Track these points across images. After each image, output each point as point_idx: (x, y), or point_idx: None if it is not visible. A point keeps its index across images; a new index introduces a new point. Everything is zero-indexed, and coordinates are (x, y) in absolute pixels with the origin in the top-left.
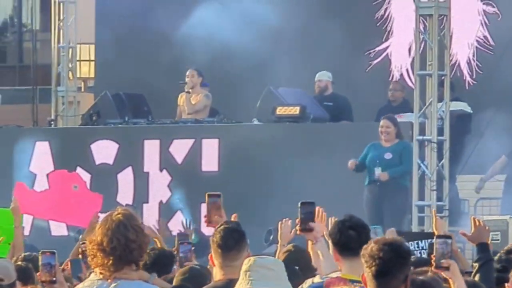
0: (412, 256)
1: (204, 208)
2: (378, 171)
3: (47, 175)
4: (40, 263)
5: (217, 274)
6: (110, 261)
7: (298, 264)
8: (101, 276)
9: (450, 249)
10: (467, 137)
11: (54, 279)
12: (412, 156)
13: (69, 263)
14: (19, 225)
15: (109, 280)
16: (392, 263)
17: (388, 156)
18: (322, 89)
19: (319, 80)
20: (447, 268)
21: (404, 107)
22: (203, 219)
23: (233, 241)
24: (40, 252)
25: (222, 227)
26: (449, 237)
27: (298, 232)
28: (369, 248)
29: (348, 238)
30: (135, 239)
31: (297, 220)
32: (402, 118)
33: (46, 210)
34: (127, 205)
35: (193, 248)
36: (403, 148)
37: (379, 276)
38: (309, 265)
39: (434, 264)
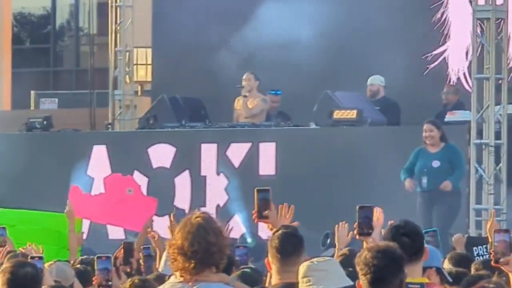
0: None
1: None
2: (424, 180)
3: (103, 179)
4: (96, 267)
5: (274, 278)
6: (192, 265)
7: (353, 268)
8: (181, 279)
9: (509, 244)
10: None
11: (110, 283)
12: (463, 158)
13: (122, 250)
14: (73, 228)
15: (189, 283)
16: (387, 269)
17: (435, 164)
18: (373, 93)
19: (371, 84)
20: (506, 263)
21: (458, 109)
22: (261, 224)
23: (292, 247)
24: (96, 257)
25: (280, 232)
26: (507, 231)
27: (356, 237)
28: (363, 255)
29: (402, 245)
30: (215, 242)
31: (355, 224)
32: (454, 115)
33: (102, 214)
34: (177, 209)
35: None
36: (451, 153)
37: (374, 283)
38: None
39: (493, 259)
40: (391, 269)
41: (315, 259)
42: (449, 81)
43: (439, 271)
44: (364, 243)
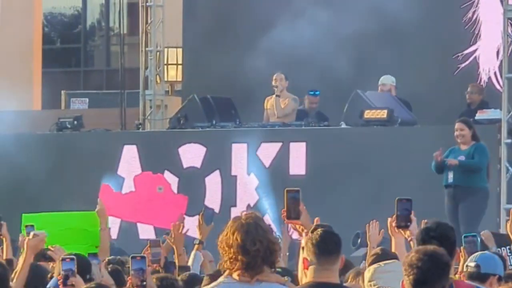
0: None
1: None
2: (451, 174)
3: (134, 177)
4: (130, 267)
5: (308, 276)
6: (255, 263)
7: None
8: (237, 278)
9: None
10: None
11: (144, 283)
12: (485, 154)
13: (149, 249)
14: (105, 227)
15: (250, 283)
16: (430, 272)
17: (461, 159)
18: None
19: (382, 84)
20: None
21: (482, 109)
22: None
23: (334, 244)
24: (130, 257)
25: (320, 230)
26: None
27: (395, 229)
28: (410, 257)
29: None
30: (274, 241)
31: (394, 217)
32: (485, 113)
33: (132, 212)
34: (206, 208)
35: None
36: (475, 150)
37: (417, 285)
38: None
39: None
40: (434, 273)
41: (381, 262)
42: (480, 81)
43: (500, 279)
44: (393, 242)
